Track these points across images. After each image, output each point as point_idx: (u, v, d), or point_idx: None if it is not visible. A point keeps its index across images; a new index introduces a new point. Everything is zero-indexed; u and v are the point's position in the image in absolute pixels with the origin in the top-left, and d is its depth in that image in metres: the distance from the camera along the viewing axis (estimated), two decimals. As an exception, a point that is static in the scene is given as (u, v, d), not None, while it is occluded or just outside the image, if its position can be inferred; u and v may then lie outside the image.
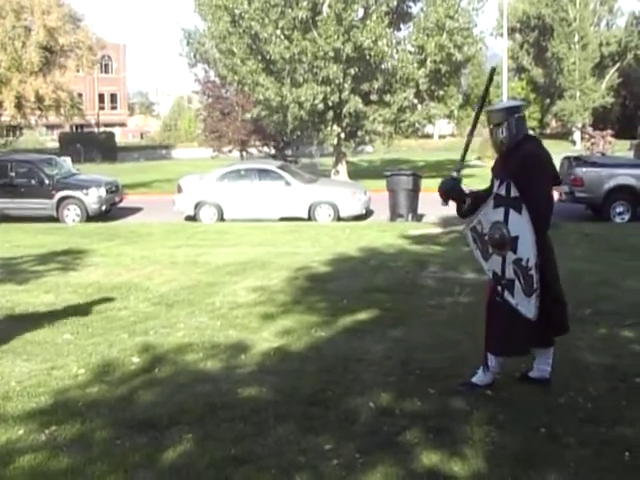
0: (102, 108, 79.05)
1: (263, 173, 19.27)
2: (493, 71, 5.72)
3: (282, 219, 18.25)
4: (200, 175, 20.37)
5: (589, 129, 47.47)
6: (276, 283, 9.51)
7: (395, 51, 26.77)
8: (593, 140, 39.07)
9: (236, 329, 7.19)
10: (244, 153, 38.86)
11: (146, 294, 9.02)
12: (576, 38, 58.23)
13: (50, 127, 64.10)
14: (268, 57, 25.94)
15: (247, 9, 25.34)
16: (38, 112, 41.72)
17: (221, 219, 18.77)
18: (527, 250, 4.80)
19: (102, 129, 63.94)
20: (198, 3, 28.14)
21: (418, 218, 17.66)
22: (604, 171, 17.47)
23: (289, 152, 39.05)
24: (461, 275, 9.61)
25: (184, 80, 56.03)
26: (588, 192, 17.24)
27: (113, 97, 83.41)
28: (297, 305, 8.15)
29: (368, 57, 25.73)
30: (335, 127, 27.90)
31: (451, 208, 5.66)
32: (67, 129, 60.60)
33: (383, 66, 26.68)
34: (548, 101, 64.06)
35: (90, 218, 19.35)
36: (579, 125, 58.41)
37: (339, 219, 18.32)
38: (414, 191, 17.46)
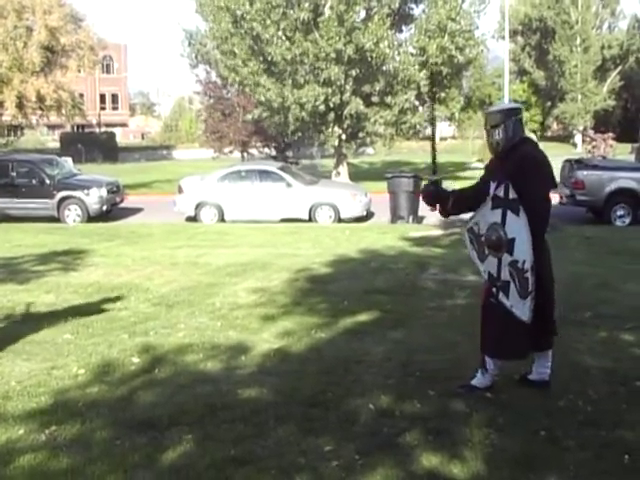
0: (103, 108, 79.14)
1: (264, 174, 19.27)
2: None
3: (283, 220, 18.25)
4: (201, 176, 20.38)
5: (590, 132, 47.44)
6: (276, 284, 9.51)
7: (396, 53, 26.80)
8: (594, 143, 39.11)
9: (236, 330, 7.19)
10: (245, 154, 38.87)
11: (146, 295, 9.02)
12: (578, 41, 58.28)
13: (51, 127, 64.14)
14: (269, 58, 25.96)
15: (249, 10, 25.37)
16: (39, 112, 41.72)
17: (222, 220, 18.77)
18: (523, 252, 4.79)
19: (103, 129, 64.00)
20: (200, 4, 28.17)
21: (419, 220, 17.66)
22: (605, 174, 17.47)
23: (290, 153, 39.07)
24: (461, 277, 9.61)
25: (185, 81, 56.32)
26: (589, 195, 17.24)
27: (114, 97, 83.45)
28: (297, 306, 8.15)
29: (369, 59, 25.75)
30: (336, 129, 27.91)
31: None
32: (68, 129, 60.68)
33: (384, 68, 26.69)
34: (549, 104, 64.08)
35: (91, 218, 19.35)
36: (580, 128, 58.43)
37: (340, 221, 18.32)
38: (415, 193, 17.45)
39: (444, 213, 5.56)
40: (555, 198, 18.71)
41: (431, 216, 17.18)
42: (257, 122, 32.28)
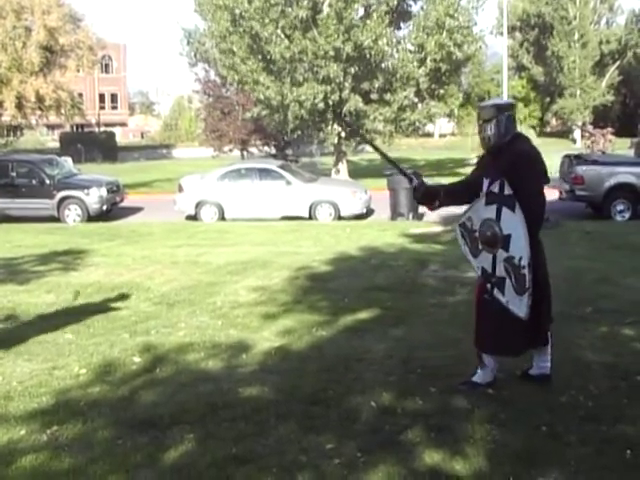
0: (102, 108, 79.11)
1: (264, 172, 19.27)
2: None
3: (283, 218, 18.25)
4: (201, 175, 20.39)
5: (589, 127, 47.51)
6: (277, 282, 9.51)
7: (395, 50, 26.78)
8: (593, 138, 39.09)
9: (237, 328, 7.19)
10: (245, 152, 38.87)
11: (147, 294, 9.02)
12: (576, 36, 58.25)
13: (51, 127, 64.16)
14: (268, 56, 25.94)
15: (247, 8, 25.33)
16: (39, 112, 41.71)
17: (222, 218, 18.78)
18: (520, 249, 4.78)
19: (103, 129, 63.94)
20: (198, 3, 28.15)
21: (419, 217, 17.66)
22: (604, 169, 17.47)
23: (290, 151, 39.05)
24: (462, 274, 9.60)
25: (184, 80, 56.30)
26: (588, 190, 17.24)
27: (113, 97, 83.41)
28: (298, 304, 8.15)
29: (368, 56, 25.73)
30: (335, 126, 27.91)
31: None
32: (68, 129, 60.63)
33: (383, 65, 26.67)
34: (548, 99, 64.09)
35: (91, 218, 19.35)
36: (579, 123, 58.40)
37: (340, 218, 18.33)
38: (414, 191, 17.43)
39: (434, 209, 5.61)
40: (555, 193, 18.73)
41: (431, 213, 17.20)
42: (256, 120, 32.27)
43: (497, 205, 4.89)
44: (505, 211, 4.83)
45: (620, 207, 17.14)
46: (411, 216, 17.41)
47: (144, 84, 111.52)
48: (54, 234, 15.73)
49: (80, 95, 57.47)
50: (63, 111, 41.33)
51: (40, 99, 39.51)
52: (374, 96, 27.53)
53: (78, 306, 8.41)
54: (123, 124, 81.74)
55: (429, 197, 5.51)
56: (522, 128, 46.18)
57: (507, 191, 4.80)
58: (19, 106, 39.37)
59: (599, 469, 4.00)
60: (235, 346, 6.52)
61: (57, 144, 53.46)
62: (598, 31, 60.65)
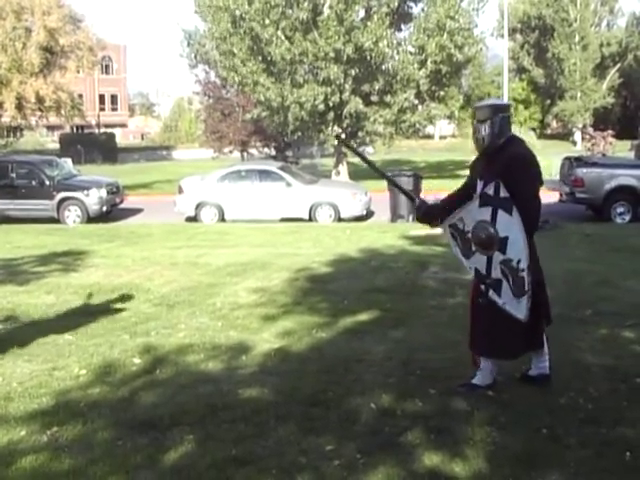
0: (102, 109, 79.11)
1: (264, 174, 19.29)
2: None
3: (283, 220, 18.26)
4: (201, 176, 20.41)
5: (590, 130, 47.50)
6: (277, 284, 9.51)
7: (396, 52, 26.80)
8: (594, 141, 39.05)
9: (237, 330, 7.19)
10: (245, 154, 38.88)
11: (147, 295, 9.02)
12: (577, 39, 58.31)
13: (50, 128, 64.12)
14: (269, 58, 25.96)
15: (247, 10, 25.37)
16: (38, 113, 41.71)
17: (222, 220, 18.79)
18: (518, 251, 4.76)
19: (102, 130, 63.99)
20: (198, 4, 28.15)
21: (419, 219, 17.62)
22: (605, 172, 17.48)
23: (290, 153, 39.08)
24: (462, 276, 9.57)
25: (185, 81, 56.39)
26: (589, 193, 17.25)
27: (113, 98, 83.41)
28: (298, 306, 8.15)
29: (369, 58, 25.76)
30: (336, 128, 27.92)
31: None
32: (67, 130, 60.65)
33: (384, 67, 26.70)
34: (549, 102, 64.14)
35: (91, 219, 19.37)
36: (580, 126, 58.47)
37: (340, 220, 18.34)
38: (415, 192, 17.43)
39: (436, 227, 5.62)
40: (555, 196, 18.74)
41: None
42: (257, 122, 32.30)
43: (492, 207, 4.85)
44: (501, 214, 4.81)
45: (620, 209, 17.14)
46: (411, 218, 17.39)
47: (144, 85, 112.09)
48: (54, 235, 15.73)
49: (80, 96, 57.49)
50: (63, 112, 41.33)
51: (40, 100, 39.51)
52: (374, 98, 27.56)
53: (78, 307, 8.41)
54: (123, 125, 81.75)
55: (431, 216, 5.52)
56: (522, 130, 46.24)
57: (503, 194, 4.78)
58: (19, 107, 39.37)
59: (599, 471, 4.00)
60: (235, 347, 6.52)
61: (57, 145, 53.51)
62: (599, 33, 60.70)
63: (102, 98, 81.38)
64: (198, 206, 18.92)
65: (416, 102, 28.35)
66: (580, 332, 6.74)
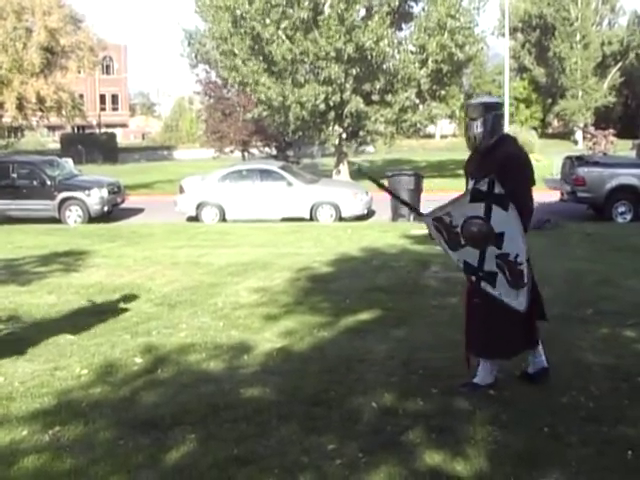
0: (103, 109, 79.18)
1: (265, 173, 19.28)
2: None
3: (284, 219, 18.26)
4: (202, 176, 20.40)
5: (591, 129, 47.50)
6: (278, 284, 9.51)
7: (397, 51, 26.80)
8: (595, 140, 39.06)
9: (238, 329, 7.19)
10: (246, 154, 38.89)
11: (148, 295, 9.02)
12: (578, 37, 58.27)
13: (51, 128, 64.21)
14: (270, 58, 25.96)
15: (248, 10, 25.37)
16: (39, 113, 41.77)
17: (223, 220, 18.79)
18: (516, 246, 4.76)
19: (103, 130, 64.02)
20: (199, 4, 28.15)
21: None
22: (606, 171, 17.45)
23: (291, 152, 39.07)
24: (463, 275, 9.59)
25: (185, 81, 56.46)
26: (590, 192, 17.22)
27: (114, 98, 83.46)
28: (299, 305, 8.15)
29: (369, 57, 25.76)
30: (337, 127, 27.92)
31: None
32: (68, 130, 60.72)
33: (384, 66, 26.70)
34: (550, 101, 64.10)
35: (92, 219, 19.37)
36: (581, 125, 58.42)
37: (341, 219, 18.33)
38: (416, 191, 17.47)
39: None
40: (556, 195, 18.74)
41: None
42: (257, 121, 32.29)
43: (485, 203, 4.82)
44: (496, 209, 4.78)
45: (621, 209, 17.12)
46: (412, 217, 17.39)
47: (145, 85, 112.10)
48: (55, 235, 15.74)
49: (81, 96, 57.47)
50: (64, 112, 41.38)
51: (41, 100, 39.55)
52: (375, 97, 27.55)
53: (79, 307, 8.42)
54: (124, 125, 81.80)
55: None
56: (524, 129, 46.18)
57: (497, 190, 4.77)
58: (20, 107, 39.41)
59: (600, 470, 4.00)
60: (236, 347, 6.52)
61: (58, 145, 53.54)
62: (600, 32, 60.65)
63: (103, 98, 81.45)
64: (199, 206, 18.92)
65: (417, 101, 28.35)
66: (581, 331, 6.74)
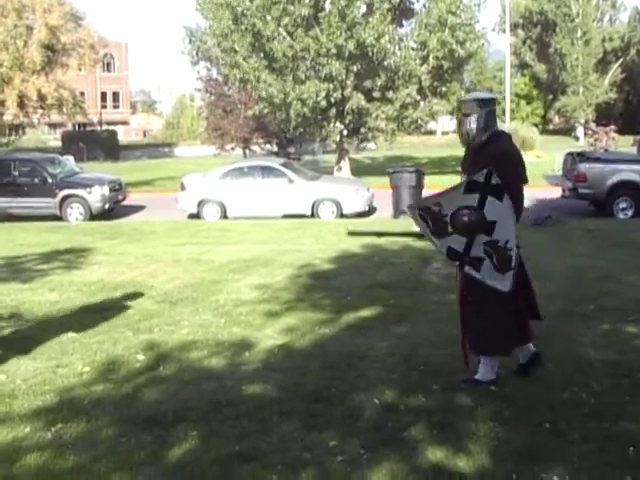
0: (104, 106, 79.15)
1: (266, 170, 19.27)
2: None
3: (285, 216, 18.25)
4: (203, 173, 20.39)
5: (592, 125, 47.39)
6: (279, 280, 9.52)
7: (397, 47, 26.78)
8: (596, 136, 39.04)
9: (240, 326, 7.20)
10: (247, 151, 38.89)
11: (150, 292, 9.03)
12: (579, 34, 58.22)
13: (52, 126, 64.21)
14: (271, 54, 25.94)
15: (249, 6, 25.35)
16: (40, 111, 41.80)
17: (224, 217, 18.79)
18: (507, 233, 4.81)
19: (104, 127, 64.02)
20: (199, 1, 28.11)
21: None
22: (607, 167, 17.44)
23: (292, 149, 39.09)
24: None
25: (186, 78, 56.45)
26: (591, 188, 17.21)
27: (115, 95, 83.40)
28: (301, 302, 8.16)
29: (370, 54, 25.74)
30: (338, 124, 27.91)
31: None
32: (69, 128, 60.72)
33: (385, 63, 26.69)
34: (551, 97, 64.06)
35: (93, 216, 19.37)
36: (582, 121, 58.39)
37: (342, 216, 18.32)
38: (417, 188, 17.46)
39: None
40: (558, 191, 18.73)
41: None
42: (259, 118, 32.29)
43: (480, 194, 4.85)
44: (490, 200, 4.82)
45: (623, 205, 17.10)
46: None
47: (146, 82, 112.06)
48: (56, 233, 15.75)
49: (82, 94, 57.53)
50: (65, 110, 41.42)
51: (42, 98, 39.57)
52: (376, 94, 27.54)
53: (81, 305, 8.42)
54: (125, 123, 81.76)
55: None
56: (525, 126, 46.16)
57: (494, 181, 4.78)
58: (21, 105, 39.44)
59: (602, 466, 4.00)
60: (238, 344, 6.52)
61: (59, 143, 53.50)
62: (601, 28, 60.61)
63: (104, 96, 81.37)
64: (200, 203, 18.92)
65: (418, 98, 28.34)
66: (582, 327, 6.74)
